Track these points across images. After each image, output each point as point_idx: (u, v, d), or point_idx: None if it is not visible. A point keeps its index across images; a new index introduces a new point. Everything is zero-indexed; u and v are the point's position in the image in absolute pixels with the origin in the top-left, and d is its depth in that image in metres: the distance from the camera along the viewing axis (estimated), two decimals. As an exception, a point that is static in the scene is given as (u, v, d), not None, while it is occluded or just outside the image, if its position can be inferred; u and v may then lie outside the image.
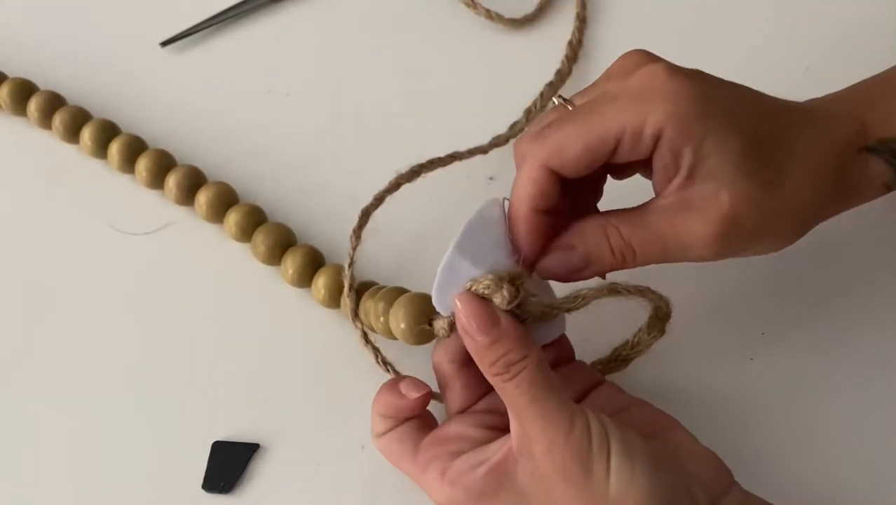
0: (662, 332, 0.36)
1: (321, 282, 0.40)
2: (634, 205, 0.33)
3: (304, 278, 0.41)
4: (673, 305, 0.35)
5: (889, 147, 0.34)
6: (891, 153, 0.34)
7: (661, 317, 0.35)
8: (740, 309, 0.40)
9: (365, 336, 0.38)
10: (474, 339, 0.31)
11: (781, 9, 0.50)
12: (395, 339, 0.36)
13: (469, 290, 0.31)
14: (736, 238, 0.31)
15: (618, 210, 0.33)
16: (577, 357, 0.37)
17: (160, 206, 0.45)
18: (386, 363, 0.37)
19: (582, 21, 0.50)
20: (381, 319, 0.36)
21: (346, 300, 0.38)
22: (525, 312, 0.32)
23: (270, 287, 0.42)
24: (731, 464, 0.33)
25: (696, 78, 0.32)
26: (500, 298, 0.31)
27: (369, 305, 0.38)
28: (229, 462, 0.38)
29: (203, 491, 0.38)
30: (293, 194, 0.45)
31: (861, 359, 0.39)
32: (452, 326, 0.33)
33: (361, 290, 0.39)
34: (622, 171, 0.35)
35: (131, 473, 0.38)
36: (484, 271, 0.32)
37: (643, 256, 0.32)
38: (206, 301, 0.43)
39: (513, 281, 0.31)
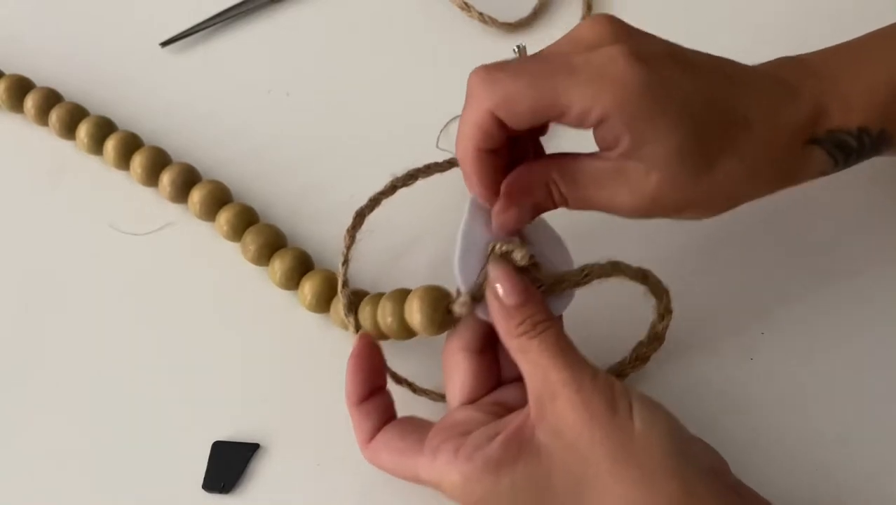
0: (661, 341, 0.37)
1: (307, 287, 0.40)
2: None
3: (292, 281, 0.41)
4: (673, 298, 0.36)
5: (834, 138, 0.34)
6: (834, 144, 0.34)
7: (661, 313, 0.36)
8: (740, 309, 0.40)
9: (358, 330, 0.38)
10: (505, 301, 0.32)
11: (782, 7, 0.50)
12: (406, 337, 0.36)
13: (492, 251, 0.34)
14: (657, 213, 0.34)
15: (557, 158, 0.34)
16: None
17: (159, 206, 0.45)
18: None
19: None
20: (390, 318, 0.36)
21: (339, 297, 0.38)
22: (538, 281, 0.34)
23: (271, 287, 0.42)
24: (731, 463, 0.33)
25: (656, 65, 0.32)
26: (521, 255, 0.33)
27: (368, 311, 0.38)
28: (229, 462, 0.38)
29: (203, 491, 0.38)
30: (290, 194, 0.45)
31: (861, 359, 0.39)
32: (475, 299, 0.34)
33: (354, 297, 0.39)
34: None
35: (131, 472, 0.38)
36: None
37: (575, 206, 0.34)
38: (206, 301, 0.43)
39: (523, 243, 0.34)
